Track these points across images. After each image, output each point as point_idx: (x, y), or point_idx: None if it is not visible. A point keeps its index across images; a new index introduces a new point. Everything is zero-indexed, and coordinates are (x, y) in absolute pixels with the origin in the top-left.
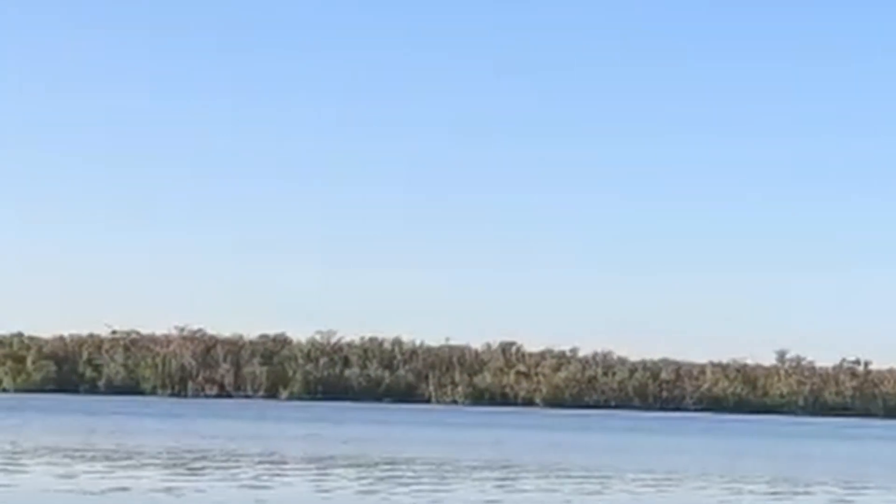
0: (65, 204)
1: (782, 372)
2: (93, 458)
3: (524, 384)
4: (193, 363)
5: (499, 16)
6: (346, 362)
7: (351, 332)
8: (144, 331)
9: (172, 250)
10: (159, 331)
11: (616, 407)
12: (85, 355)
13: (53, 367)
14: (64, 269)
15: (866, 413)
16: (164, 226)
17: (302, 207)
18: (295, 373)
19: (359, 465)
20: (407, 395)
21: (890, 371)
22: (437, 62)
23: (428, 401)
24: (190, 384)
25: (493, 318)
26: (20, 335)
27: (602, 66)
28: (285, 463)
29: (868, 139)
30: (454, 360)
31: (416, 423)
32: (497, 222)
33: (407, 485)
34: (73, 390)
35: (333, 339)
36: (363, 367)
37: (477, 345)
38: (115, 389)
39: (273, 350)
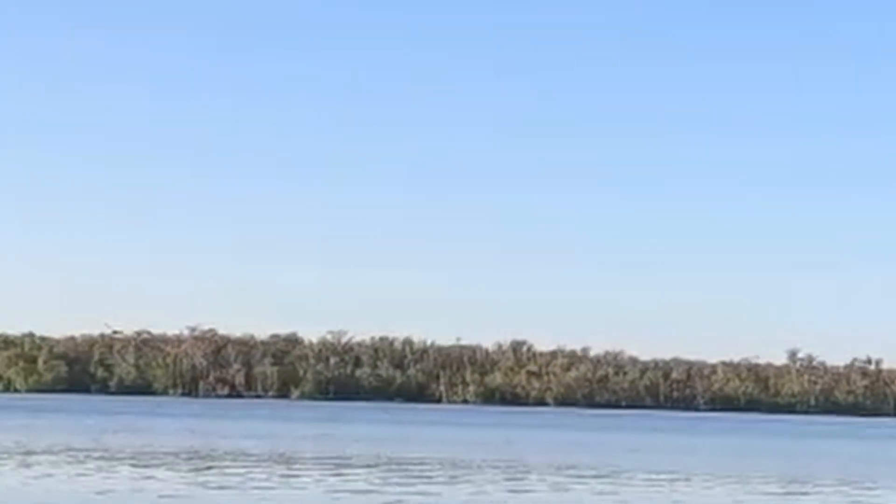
0: (65, 204)
1: (794, 371)
2: (103, 459)
3: (535, 384)
4: (204, 363)
5: (499, 16)
6: (357, 362)
7: (362, 331)
8: (154, 331)
9: (173, 250)
10: (170, 331)
11: (627, 406)
12: (96, 355)
13: (65, 368)
14: (64, 269)
15: (878, 412)
16: (164, 226)
17: (302, 207)
18: (306, 372)
19: (370, 465)
20: (418, 394)
21: None
22: (437, 62)
23: (439, 400)
24: (201, 384)
25: (504, 318)
26: (31, 335)
27: (602, 66)
28: (296, 463)
29: (868, 139)
30: (465, 359)
31: (427, 423)
32: (504, 222)
33: (418, 484)
34: (85, 390)
35: (344, 339)
36: (374, 366)
37: (488, 344)
38: (126, 389)
39: (284, 350)
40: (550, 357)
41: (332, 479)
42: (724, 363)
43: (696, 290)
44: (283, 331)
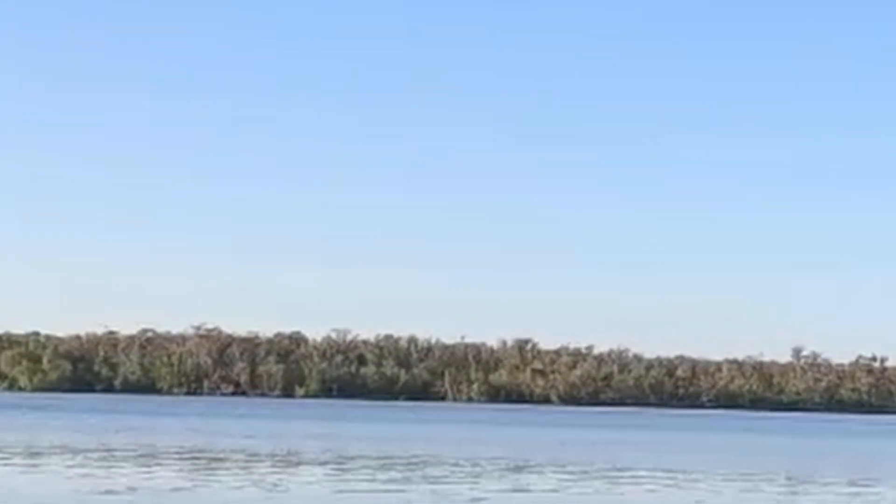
0: (65, 204)
1: (798, 369)
2: (107, 458)
3: (540, 382)
4: (209, 362)
5: (499, 16)
6: (362, 360)
7: (366, 330)
8: (158, 330)
9: (174, 250)
10: (174, 330)
11: (632, 404)
12: (101, 354)
13: (69, 367)
14: (65, 268)
15: (882, 409)
16: (164, 226)
17: (304, 207)
18: (310, 371)
19: (375, 464)
20: (422, 393)
21: None
22: (437, 62)
23: (443, 399)
24: (206, 383)
25: (509, 316)
26: (36, 334)
27: (602, 66)
28: (301, 462)
29: (868, 139)
30: (470, 357)
31: (432, 421)
32: (508, 221)
33: (423, 482)
34: (89, 389)
35: (349, 338)
36: (379, 365)
37: (493, 342)
38: (130, 388)
39: (289, 348)
40: (555, 355)
41: (336, 478)
42: (728, 361)
43: (700, 289)
44: (288, 329)
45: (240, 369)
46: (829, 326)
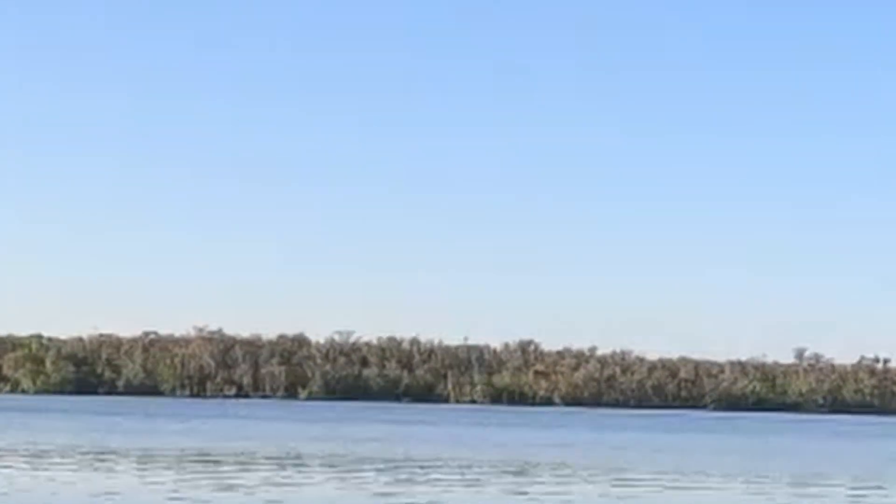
0: (65, 204)
1: (801, 370)
2: (111, 460)
3: (542, 383)
4: (212, 364)
5: (499, 16)
6: (365, 362)
7: (369, 332)
8: (161, 332)
9: (175, 250)
10: (177, 332)
11: (635, 406)
12: (104, 356)
13: (72, 369)
14: (66, 271)
15: (886, 410)
16: (165, 226)
17: (305, 208)
18: (313, 373)
19: (377, 465)
20: (425, 394)
21: None
22: (437, 62)
23: (446, 400)
24: (209, 385)
25: (512, 318)
26: (39, 337)
27: (601, 66)
28: (304, 463)
29: (868, 139)
30: (472, 359)
31: (435, 423)
32: (511, 223)
33: (426, 484)
34: (92, 391)
35: (352, 339)
36: (381, 366)
37: (495, 344)
38: (133, 390)
39: (291, 350)
40: (558, 357)
41: (340, 480)
42: (731, 362)
43: (703, 290)
44: (291, 331)
45: (243, 371)
46: (832, 327)
